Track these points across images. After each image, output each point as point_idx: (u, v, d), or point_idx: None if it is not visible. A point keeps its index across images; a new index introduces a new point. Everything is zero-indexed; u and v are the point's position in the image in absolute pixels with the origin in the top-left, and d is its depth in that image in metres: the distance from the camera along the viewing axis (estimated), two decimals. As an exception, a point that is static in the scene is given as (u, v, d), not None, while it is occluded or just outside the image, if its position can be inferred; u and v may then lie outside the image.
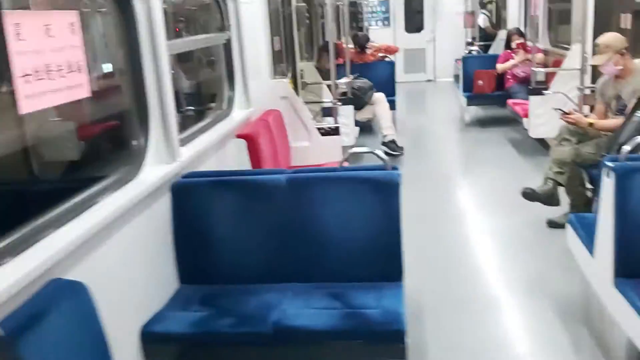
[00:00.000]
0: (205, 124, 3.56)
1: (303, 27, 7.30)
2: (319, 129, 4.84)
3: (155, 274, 2.53)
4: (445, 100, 11.34)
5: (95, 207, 2.15)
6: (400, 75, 13.93)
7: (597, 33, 5.01)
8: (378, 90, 7.74)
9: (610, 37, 4.22)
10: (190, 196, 2.67)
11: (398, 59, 13.80)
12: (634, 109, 3.84)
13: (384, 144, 6.53)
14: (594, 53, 4.28)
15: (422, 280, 3.82)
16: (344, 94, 6.37)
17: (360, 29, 11.17)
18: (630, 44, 5.42)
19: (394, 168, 2.75)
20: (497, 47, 9.94)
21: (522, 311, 3.41)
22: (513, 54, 7.78)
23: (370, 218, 2.66)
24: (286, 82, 4.81)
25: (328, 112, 5.14)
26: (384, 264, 2.65)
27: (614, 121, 4.10)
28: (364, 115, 6.64)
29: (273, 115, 4.61)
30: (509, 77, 7.73)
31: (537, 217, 4.51)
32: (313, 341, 2.33)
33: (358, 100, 6.40)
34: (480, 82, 7.88)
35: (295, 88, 6.19)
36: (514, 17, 9.53)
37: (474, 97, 7.94)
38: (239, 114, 4.03)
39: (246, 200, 2.70)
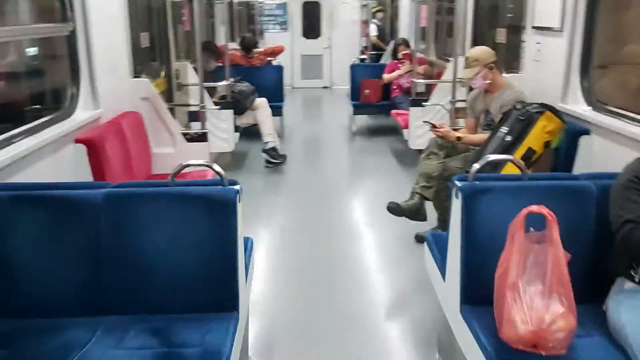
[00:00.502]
0: (31, 126, 3.11)
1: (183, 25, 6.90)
2: (184, 134, 4.48)
3: None
4: (338, 108, 11.25)
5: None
6: (297, 81, 13.85)
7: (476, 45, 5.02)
8: (264, 96, 7.51)
9: (479, 51, 4.18)
10: None
11: (295, 65, 13.71)
12: (499, 124, 3.80)
13: (264, 151, 6.25)
14: (465, 66, 4.22)
15: (280, 300, 3.58)
16: (224, 97, 6.05)
17: (254, 32, 10.85)
18: (504, 57, 5.55)
19: (232, 183, 2.46)
20: (388, 57, 9.99)
21: (380, 335, 3.23)
22: (399, 65, 7.78)
23: (202, 240, 2.35)
24: (147, 81, 4.40)
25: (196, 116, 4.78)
26: (217, 292, 2.35)
27: (482, 136, 4.05)
28: (245, 120, 6.33)
29: (130, 117, 4.20)
30: (394, 87, 7.72)
31: (409, 231, 4.41)
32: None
33: (239, 104, 6.09)
34: (366, 91, 7.81)
35: (170, 89, 5.80)
36: (404, 27, 9.62)
37: (360, 106, 7.86)
38: (82, 115, 3.60)
39: (54, 219, 2.30)
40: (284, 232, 4.75)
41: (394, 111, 7.12)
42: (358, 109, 7.87)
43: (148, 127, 4.43)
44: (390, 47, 10.10)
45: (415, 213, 4.07)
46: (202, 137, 4.48)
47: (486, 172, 2.60)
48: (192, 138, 4.45)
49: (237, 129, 6.26)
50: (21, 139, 2.92)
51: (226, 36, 7.00)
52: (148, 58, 5.36)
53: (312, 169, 6.60)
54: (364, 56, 11.16)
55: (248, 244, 2.78)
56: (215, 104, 5.94)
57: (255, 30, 10.65)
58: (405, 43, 7.89)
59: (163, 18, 5.66)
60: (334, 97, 13.03)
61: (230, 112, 5.98)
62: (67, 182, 2.51)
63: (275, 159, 6.18)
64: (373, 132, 8.37)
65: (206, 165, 2.56)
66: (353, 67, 8.16)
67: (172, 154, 4.51)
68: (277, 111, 7.74)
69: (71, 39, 3.56)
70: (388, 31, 11.07)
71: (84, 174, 3.39)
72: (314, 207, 5.33)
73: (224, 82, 5.93)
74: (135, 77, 4.44)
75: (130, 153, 3.95)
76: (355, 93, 8.03)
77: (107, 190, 2.34)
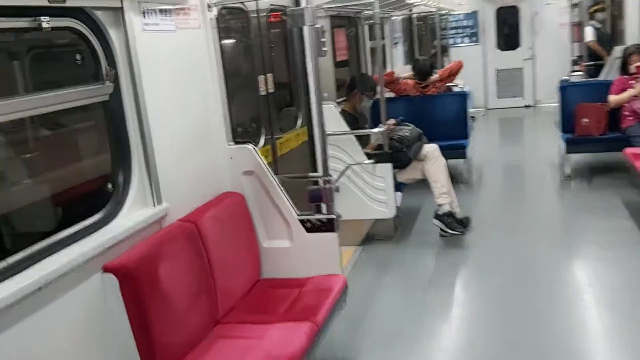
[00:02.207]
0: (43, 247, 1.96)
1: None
2: (303, 221, 3.06)
3: None
4: (544, 134, 9.05)
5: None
6: (492, 100, 11.82)
7: None
8: (443, 132, 5.89)
9: None
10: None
11: (490, 82, 11.73)
12: None
13: (437, 217, 4.62)
14: None
15: None
16: (380, 147, 4.58)
17: (435, 53, 9.20)
18: None
19: None
20: (611, 69, 7.63)
21: None
22: (632, 81, 5.58)
23: None
24: (251, 148, 3.09)
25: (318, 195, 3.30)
26: None
27: None
28: (409, 175, 4.77)
29: (226, 202, 2.93)
30: (626, 113, 5.54)
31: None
32: None
33: (400, 155, 4.56)
34: (585, 120, 5.72)
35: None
36: (633, 29, 7.22)
37: (576, 141, 5.77)
38: (132, 220, 2.38)
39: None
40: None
41: (628, 150, 4.97)
42: (573, 145, 5.79)
43: (254, 212, 3.12)
44: (613, 57, 7.75)
45: None
46: (328, 225, 3.04)
47: None
48: (313, 227, 3.03)
49: (399, 187, 4.72)
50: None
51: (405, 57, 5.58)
52: (274, 106, 4.10)
53: (508, 237, 4.77)
54: (577, 69, 8.86)
55: None
56: (369, 156, 4.50)
57: (437, 49, 8.96)
58: (637, 50, 5.64)
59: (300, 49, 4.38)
60: (539, 119, 10.76)
61: (388, 166, 4.48)
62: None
63: (452, 229, 4.50)
64: (596, 175, 6.19)
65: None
66: (562, 88, 6.10)
67: (288, 249, 3.14)
68: (459, 152, 6.03)
69: (110, 105, 2.38)
70: (609, 35, 8.62)
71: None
72: (511, 309, 3.57)
73: (379, 129, 4.46)
74: (238, 142, 3.17)
75: (226, 256, 2.67)
76: (567, 122, 5.98)
77: None
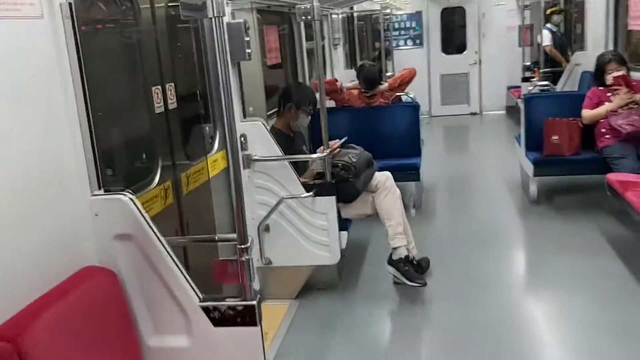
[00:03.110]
0: None
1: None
2: (208, 309, 2.03)
3: None
4: (496, 145, 8.39)
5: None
6: (436, 107, 11.10)
7: None
8: (392, 150, 5.02)
9: None
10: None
11: (434, 88, 11.02)
12: None
13: (392, 263, 3.69)
14: None
15: None
16: (320, 176, 3.61)
17: (379, 55, 8.32)
18: None
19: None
20: (572, 79, 6.99)
21: None
22: (609, 94, 4.85)
23: None
24: (126, 200, 2.03)
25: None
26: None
27: None
28: (357, 210, 3.81)
29: (76, 295, 1.85)
30: (603, 130, 4.79)
31: None
32: None
33: (346, 186, 3.59)
34: (555, 138, 4.95)
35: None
36: (596, 33, 6.57)
37: (545, 161, 4.99)
38: None
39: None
40: None
41: (612, 176, 4.20)
42: (541, 166, 4.99)
43: (134, 297, 2.06)
44: (573, 64, 7.11)
45: None
46: (246, 316, 2.02)
47: None
48: (224, 318, 2.01)
49: (344, 224, 3.77)
50: None
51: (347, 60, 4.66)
52: (178, 125, 3.05)
53: (473, 287, 3.88)
54: (530, 75, 8.23)
55: None
56: (307, 187, 3.52)
57: (381, 51, 8.08)
58: (619, 59, 4.92)
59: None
60: (486, 128, 10.13)
61: (331, 200, 3.52)
62: None
63: (410, 280, 3.58)
64: (565, 198, 5.45)
65: None
66: (527, 100, 5.31)
67: (186, 350, 2.10)
68: (411, 174, 5.15)
69: None
70: (566, 39, 8.02)
71: None
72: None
73: (319, 153, 3.48)
74: (108, 190, 2.10)
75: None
76: (533, 139, 5.20)
77: None
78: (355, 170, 3.60)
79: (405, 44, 10.95)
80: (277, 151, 3.53)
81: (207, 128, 3.30)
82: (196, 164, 3.16)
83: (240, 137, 3.46)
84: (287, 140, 3.77)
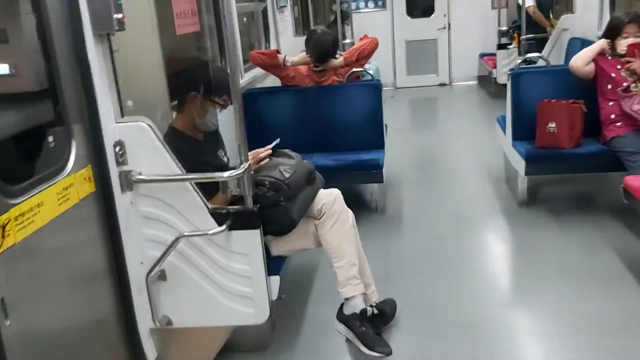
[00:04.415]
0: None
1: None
2: None
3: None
4: (468, 121, 7.35)
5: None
6: (401, 78, 10.00)
7: None
8: (347, 140, 4.00)
9: None
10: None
11: (399, 56, 9.87)
12: None
13: (342, 319, 2.63)
14: None
15: None
16: (237, 200, 2.46)
17: (339, 16, 7.08)
18: None
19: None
20: (559, 47, 5.97)
21: None
22: (618, 66, 3.82)
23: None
24: None
25: None
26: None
27: None
28: (292, 245, 2.68)
29: None
30: (613, 116, 3.78)
31: None
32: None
33: (276, 213, 2.48)
34: (551, 125, 3.92)
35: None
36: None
37: (539, 156, 3.96)
38: None
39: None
40: None
41: (631, 179, 3.19)
42: (536, 162, 3.96)
43: None
44: (560, 29, 6.07)
45: None
46: None
47: None
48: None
49: (276, 264, 2.67)
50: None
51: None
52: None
53: (448, 321, 2.88)
54: (507, 42, 7.22)
55: None
56: (219, 217, 2.39)
57: (337, 15, 6.87)
58: (637, 19, 3.85)
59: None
60: (458, 101, 9.08)
61: (253, 235, 2.40)
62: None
63: (369, 346, 2.52)
64: (562, 199, 4.45)
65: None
66: (515, 76, 4.24)
67: None
68: (372, 175, 4.07)
69: None
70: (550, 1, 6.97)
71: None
72: None
73: (234, 171, 2.33)
74: None
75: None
76: (522, 126, 4.17)
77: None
78: (288, 191, 2.48)
79: (366, 6, 9.74)
80: (173, 166, 2.39)
81: (50, 137, 2.12)
82: (37, 192, 1.99)
83: (115, 147, 2.31)
84: (192, 147, 2.63)
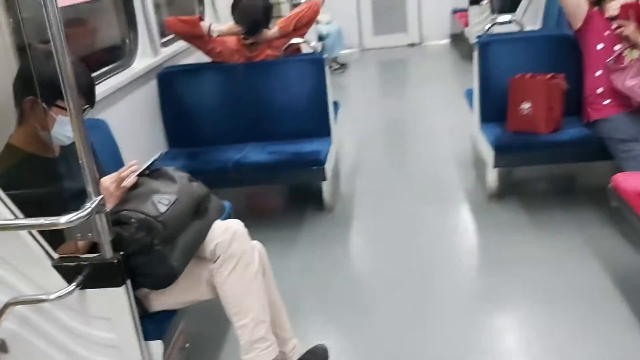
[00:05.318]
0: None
1: None
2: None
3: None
4: (439, 87, 6.66)
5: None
6: (368, 38, 9.21)
7: None
8: (288, 133, 3.43)
9: None
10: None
11: (364, 14, 9.05)
12: None
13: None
14: None
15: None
16: (93, 248, 1.77)
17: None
18: None
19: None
20: (534, 8, 5.24)
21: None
22: (606, 32, 3.13)
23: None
24: None
25: None
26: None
27: None
28: (179, 297, 1.98)
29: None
30: (599, 91, 3.12)
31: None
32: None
33: (150, 261, 1.80)
34: (525, 106, 3.25)
35: None
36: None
37: (510, 144, 3.30)
38: None
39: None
40: None
41: (621, 178, 2.53)
42: (505, 153, 3.29)
43: None
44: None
45: None
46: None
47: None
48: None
49: (157, 324, 2.00)
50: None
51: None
52: None
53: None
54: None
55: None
56: (67, 272, 1.71)
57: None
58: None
59: None
60: (429, 62, 8.33)
61: (116, 294, 1.74)
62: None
63: None
64: (547, 196, 3.78)
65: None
66: (484, 46, 3.54)
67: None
68: (311, 172, 3.36)
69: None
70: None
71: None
72: None
73: (81, 212, 1.61)
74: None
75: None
76: (491, 105, 3.51)
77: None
78: (164, 230, 1.80)
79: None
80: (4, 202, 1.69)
81: None
82: None
83: None
84: (38, 169, 1.91)
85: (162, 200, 1.85)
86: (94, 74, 3.10)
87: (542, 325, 2.45)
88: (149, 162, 1.99)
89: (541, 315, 2.51)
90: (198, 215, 1.93)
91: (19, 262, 1.76)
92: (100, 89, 2.98)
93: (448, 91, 6.26)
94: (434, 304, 2.66)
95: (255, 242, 2.06)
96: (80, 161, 1.66)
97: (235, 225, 1.97)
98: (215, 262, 1.93)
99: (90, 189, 1.67)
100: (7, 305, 1.73)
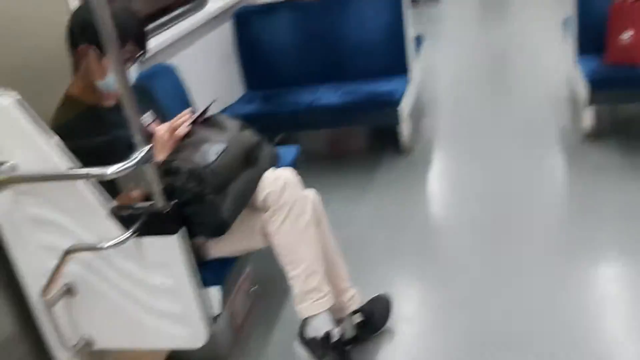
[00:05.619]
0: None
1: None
2: None
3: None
4: (536, 14, 6.11)
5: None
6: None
7: None
8: (362, 71, 3.39)
9: None
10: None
11: None
12: None
13: (303, 341, 1.98)
14: None
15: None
16: (148, 199, 1.79)
17: None
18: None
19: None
20: None
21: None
22: None
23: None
24: None
25: None
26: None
27: None
28: (234, 246, 1.99)
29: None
30: None
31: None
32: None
33: (202, 210, 1.81)
34: (628, 34, 2.88)
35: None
36: None
37: (607, 77, 2.96)
38: None
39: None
40: None
41: None
42: (602, 88, 2.97)
43: None
44: None
45: None
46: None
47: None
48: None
49: (214, 272, 2.02)
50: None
51: None
52: None
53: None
54: None
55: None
56: (124, 220, 1.75)
57: None
58: None
59: None
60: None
61: (171, 241, 1.76)
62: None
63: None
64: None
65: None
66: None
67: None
68: (386, 113, 3.22)
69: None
70: None
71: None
72: None
73: (128, 162, 1.62)
74: None
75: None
76: (589, 36, 3.15)
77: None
78: (215, 180, 1.79)
79: None
80: (51, 157, 1.74)
81: None
82: None
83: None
84: (95, 118, 1.94)
85: (213, 149, 1.82)
86: (166, 17, 3.12)
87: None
88: (202, 110, 1.96)
89: (637, 268, 2.29)
90: (249, 164, 1.90)
91: (77, 211, 1.82)
92: (172, 32, 2.99)
93: (547, 21, 5.72)
94: (517, 255, 2.50)
95: (308, 190, 2.00)
96: (127, 111, 1.66)
97: (286, 174, 1.92)
98: (266, 212, 1.91)
99: (137, 139, 1.68)
100: (67, 252, 1.82)
